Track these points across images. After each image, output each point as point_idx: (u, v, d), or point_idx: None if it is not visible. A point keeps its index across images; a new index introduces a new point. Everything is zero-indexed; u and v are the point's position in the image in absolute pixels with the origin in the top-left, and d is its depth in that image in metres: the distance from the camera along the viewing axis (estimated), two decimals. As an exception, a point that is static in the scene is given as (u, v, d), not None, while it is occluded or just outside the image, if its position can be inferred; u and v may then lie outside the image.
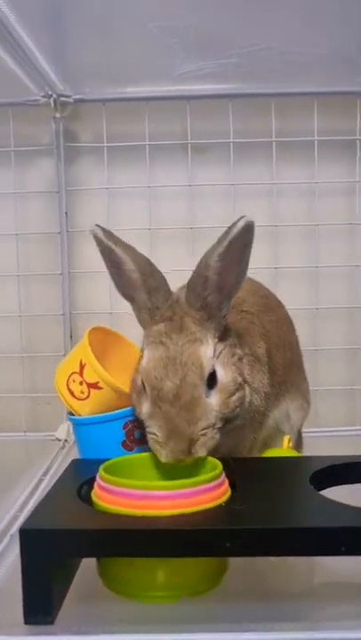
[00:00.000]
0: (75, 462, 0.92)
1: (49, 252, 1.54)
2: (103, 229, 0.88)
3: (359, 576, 0.77)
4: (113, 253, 0.87)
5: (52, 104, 1.47)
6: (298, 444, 1.09)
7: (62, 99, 1.47)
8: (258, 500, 0.73)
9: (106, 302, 1.49)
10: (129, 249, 0.88)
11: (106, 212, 1.52)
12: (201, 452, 0.79)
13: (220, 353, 0.84)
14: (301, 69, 1.36)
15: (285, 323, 1.07)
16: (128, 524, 0.68)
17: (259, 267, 1.48)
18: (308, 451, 1.13)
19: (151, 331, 0.85)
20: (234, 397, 0.83)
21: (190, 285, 0.85)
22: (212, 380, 0.82)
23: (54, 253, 1.53)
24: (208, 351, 0.82)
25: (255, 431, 0.93)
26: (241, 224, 0.80)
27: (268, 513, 0.70)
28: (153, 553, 0.67)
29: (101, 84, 1.45)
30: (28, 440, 1.53)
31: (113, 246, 0.87)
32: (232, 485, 0.78)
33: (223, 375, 0.83)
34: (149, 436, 0.81)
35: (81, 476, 0.82)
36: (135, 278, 0.87)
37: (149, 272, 0.87)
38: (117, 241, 0.88)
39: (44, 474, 1.20)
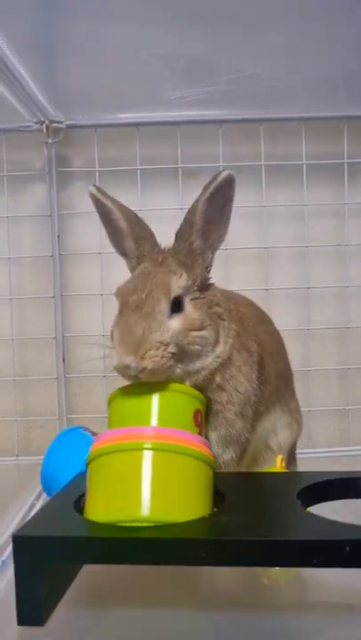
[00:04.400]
0: (80, 475, 0.92)
1: (41, 275, 1.55)
2: (97, 187, 0.94)
3: (353, 593, 0.77)
4: (106, 207, 0.92)
5: (45, 130, 1.49)
6: (291, 465, 1.09)
7: (54, 125, 1.49)
8: (242, 513, 0.75)
9: (98, 325, 1.49)
10: (118, 203, 0.94)
11: (98, 235, 1.52)
12: (148, 364, 0.79)
13: (195, 296, 0.87)
14: (288, 95, 1.39)
15: (277, 336, 1.08)
16: (115, 532, 0.71)
17: (250, 288, 1.52)
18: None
19: (136, 269, 0.90)
20: (195, 333, 0.84)
21: (178, 233, 0.91)
22: (176, 306, 0.84)
23: (47, 276, 1.54)
24: (180, 281, 0.85)
25: (247, 429, 0.92)
26: (224, 175, 0.89)
27: (248, 525, 0.72)
28: (138, 560, 0.70)
29: (93, 110, 1.48)
30: (21, 464, 1.52)
31: (103, 199, 0.92)
32: (221, 497, 0.80)
33: (191, 309, 0.86)
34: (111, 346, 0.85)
35: (82, 489, 0.82)
36: (123, 227, 0.92)
37: (136, 222, 0.93)
38: (108, 196, 0.94)
39: (37, 498, 1.20)
